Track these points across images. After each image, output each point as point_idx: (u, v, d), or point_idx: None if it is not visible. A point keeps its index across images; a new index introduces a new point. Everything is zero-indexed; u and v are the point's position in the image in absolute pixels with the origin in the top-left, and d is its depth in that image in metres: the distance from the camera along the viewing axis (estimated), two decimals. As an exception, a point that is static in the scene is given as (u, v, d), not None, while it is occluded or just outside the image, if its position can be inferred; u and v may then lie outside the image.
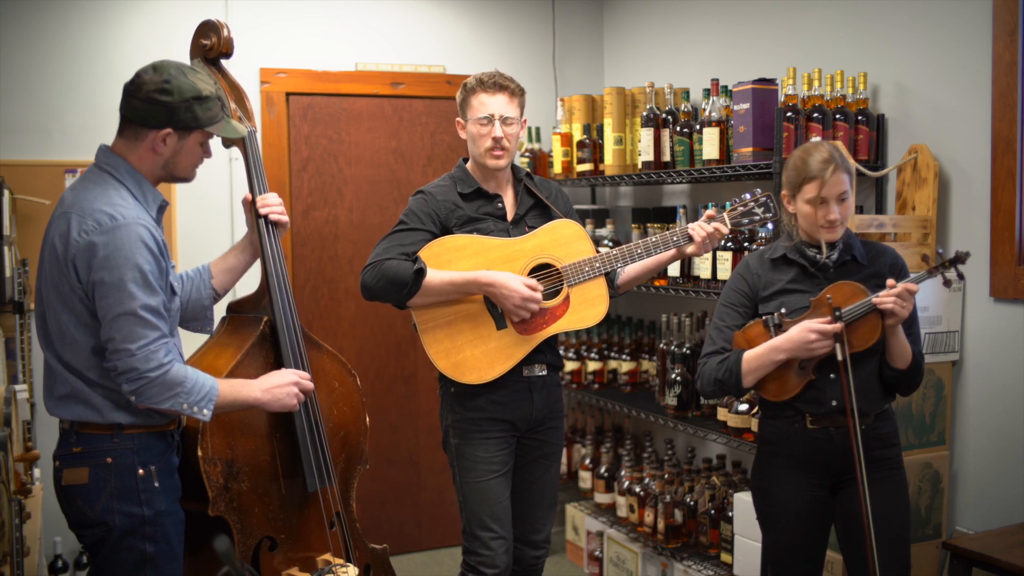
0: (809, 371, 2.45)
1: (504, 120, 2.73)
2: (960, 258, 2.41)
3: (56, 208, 2.19)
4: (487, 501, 2.76)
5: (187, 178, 2.31)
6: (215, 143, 2.38)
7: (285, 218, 2.54)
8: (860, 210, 3.26)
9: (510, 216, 2.81)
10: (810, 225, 2.48)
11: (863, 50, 3.34)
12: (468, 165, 2.84)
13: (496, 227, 2.76)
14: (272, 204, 2.51)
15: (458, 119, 2.82)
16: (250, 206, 2.53)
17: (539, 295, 2.66)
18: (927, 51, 3.13)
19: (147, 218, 2.16)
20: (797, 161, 2.51)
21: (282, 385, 2.33)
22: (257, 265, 2.57)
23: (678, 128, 3.63)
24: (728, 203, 3.41)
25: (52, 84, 3.84)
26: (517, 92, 2.77)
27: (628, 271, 2.90)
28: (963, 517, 3.08)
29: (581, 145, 4.15)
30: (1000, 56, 2.91)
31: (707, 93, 3.57)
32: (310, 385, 2.40)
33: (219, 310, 2.63)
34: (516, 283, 2.63)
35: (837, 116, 3.17)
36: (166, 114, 2.16)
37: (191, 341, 2.57)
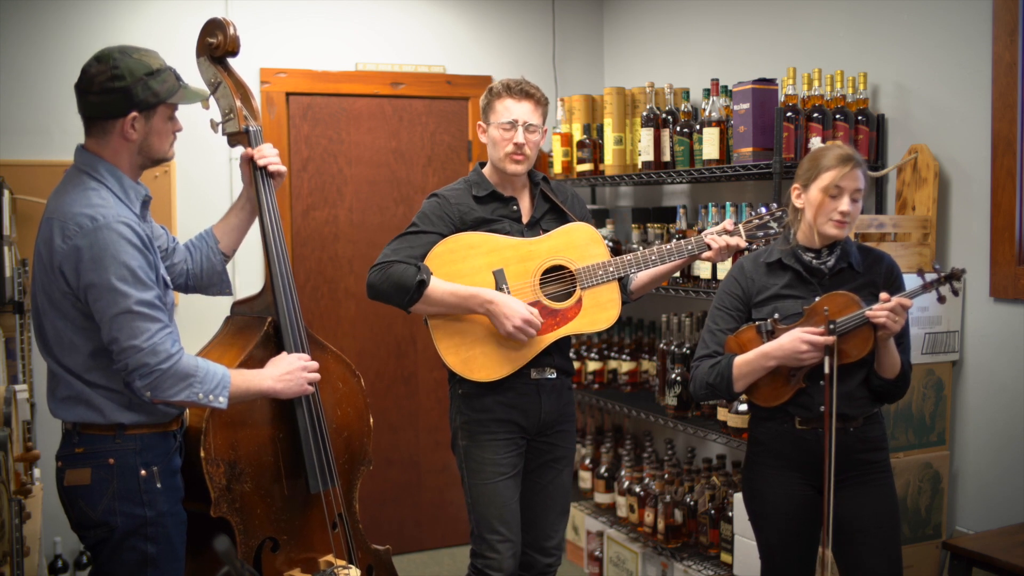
0: (799, 379, 2.45)
1: (527, 127, 2.73)
2: (955, 275, 2.41)
3: (44, 212, 2.18)
4: (495, 504, 2.75)
5: (165, 157, 2.27)
6: (220, 142, 2.37)
7: (283, 168, 2.53)
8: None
9: (525, 219, 2.80)
10: (818, 216, 2.45)
11: (863, 50, 3.34)
12: (485, 170, 2.83)
13: (512, 229, 2.76)
14: (269, 155, 2.50)
15: (479, 123, 2.82)
16: (248, 163, 2.52)
17: (539, 324, 2.64)
18: (927, 51, 3.13)
19: (128, 215, 2.14)
20: (817, 153, 2.50)
21: (293, 371, 2.34)
22: (261, 265, 2.57)
23: (678, 128, 3.63)
24: (729, 203, 3.43)
25: (52, 84, 3.84)
26: (542, 101, 2.78)
27: (641, 277, 2.89)
28: (963, 517, 3.08)
29: (581, 145, 4.15)
30: (1000, 56, 2.91)
31: (707, 93, 3.57)
32: (315, 364, 2.41)
33: (224, 309, 2.63)
34: (518, 306, 2.61)
35: (837, 116, 3.17)
36: (125, 99, 2.13)
37: (194, 337, 2.58)
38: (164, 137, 2.23)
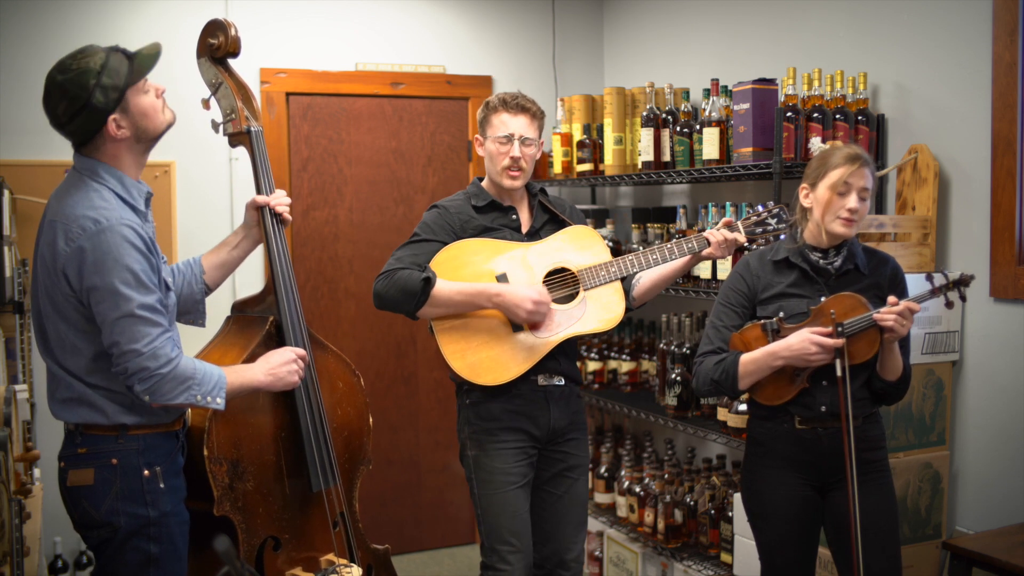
0: (803, 379, 2.45)
1: (523, 141, 2.74)
2: (964, 281, 2.42)
3: (44, 215, 2.17)
4: (505, 513, 2.73)
5: (168, 124, 2.22)
6: (220, 141, 2.36)
7: (290, 216, 2.55)
8: (860, 210, 3.26)
9: (525, 228, 2.81)
10: (826, 214, 2.46)
11: (863, 50, 3.34)
12: (484, 184, 2.85)
13: (512, 238, 2.77)
14: (284, 202, 2.51)
15: (476, 136, 2.83)
16: (256, 209, 2.51)
17: (548, 301, 2.65)
18: (927, 51, 3.13)
19: (132, 217, 2.13)
20: (825, 152, 2.52)
21: (282, 363, 2.33)
22: (260, 265, 2.57)
23: (678, 128, 3.63)
24: (729, 203, 3.43)
25: (52, 84, 3.83)
26: (538, 115, 2.79)
27: (644, 282, 2.88)
28: (963, 517, 3.08)
29: (581, 145, 4.15)
30: (1000, 56, 2.91)
31: (707, 93, 3.57)
32: (304, 355, 2.40)
33: (224, 309, 2.63)
34: (525, 291, 2.62)
35: (837, 116, 3.17)
36: (94, 112, 2.09)
37: (194, 338, 2.58)
38: (153, 111, 2.19)
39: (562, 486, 2.85)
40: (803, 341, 2.39)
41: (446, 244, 2.70)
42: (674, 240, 2.79)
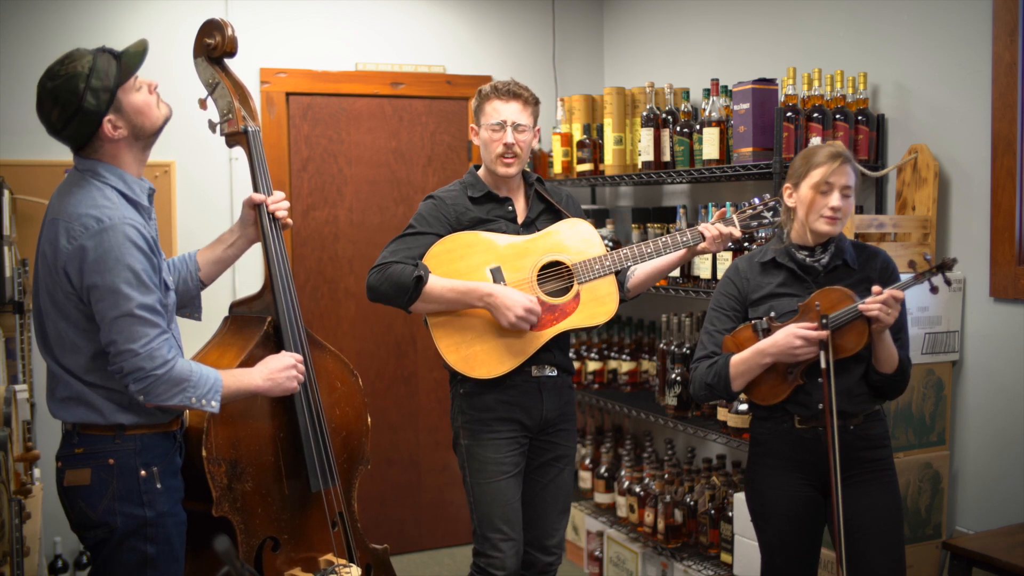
0: (797, 376, 2.45)
1: (516, 127, 2.74)
2: (946, 264, 2.40)
3: (46, 213, 2.17)
4: (497, 502, 2.76)
5: (164, 120, 2.22)
6: (220, 142, 2.36)
7: (290, 221, 2.54)
8: (860, 210, 3.26)
9: (521, 219, 2.82)
10: (810, 213, 2.46)
11: (863, 50, 3.34)
12: (480, 172, 2.86)
13: (507, 229, 2.78)
14: (283, 205, 2.51)
15: (472, 125, 2.85)
16: (253, 207, 2.51)
17: (539, 311, 2.66)
18: (927, 51, 3.13)
19: (134, 216, 2.12)
20: (807, 152, 2.52)
21: (281, 369, 2.32)
22: (260, 264, 2.56)
23: (678, 128, 3.63)
24: (729, 203, 3.43)
25: (52, 84, 3.83)
26: (531, 101, 2.79)
27: (638, 275, 2.90)
28: (963, 517, 3.08)
29: (581, 145, 4.15)
30: (1000, 56, 2.91)
31: (707, 93, 3.57)
32: (301, 364, 2.40)
33: (223, 308, 2.63)
34: (517, 297, 2.63)
35: (837, 116, 3.17)
36: (88, 116, 2.09)
37: (193, 336, 2.58)
38: (147, 107, 2.18)
39: (548, 475, 2.89)
40: (787, 336, 2.39)
41: (441, 236, 2.71)
42: (669, 234, 2.79)
